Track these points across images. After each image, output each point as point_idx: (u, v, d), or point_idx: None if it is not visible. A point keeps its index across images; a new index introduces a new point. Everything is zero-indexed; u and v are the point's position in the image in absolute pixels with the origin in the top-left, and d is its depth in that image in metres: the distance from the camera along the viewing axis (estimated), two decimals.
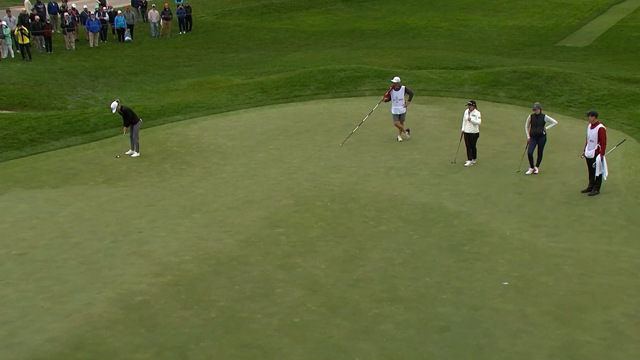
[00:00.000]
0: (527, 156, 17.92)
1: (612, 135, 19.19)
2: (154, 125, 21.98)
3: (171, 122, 22.64)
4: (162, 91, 28.07)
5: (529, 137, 17.84)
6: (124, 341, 10.60)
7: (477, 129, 18.52)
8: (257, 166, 18.86)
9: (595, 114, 16.46)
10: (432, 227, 14.76)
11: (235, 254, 13.51)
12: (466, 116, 18.48)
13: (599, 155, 16.18)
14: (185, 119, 22.99)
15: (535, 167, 17.94)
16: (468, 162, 18.62)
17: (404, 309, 11.52)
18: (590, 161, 16.43)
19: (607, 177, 16.37)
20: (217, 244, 13.94)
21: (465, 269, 12.92)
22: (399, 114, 20.70)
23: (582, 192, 16.60)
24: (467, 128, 18.51)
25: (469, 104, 18.53)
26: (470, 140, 18.58)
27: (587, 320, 11.15)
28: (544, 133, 17.78)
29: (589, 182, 16.65)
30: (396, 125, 20.84)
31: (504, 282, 12.40)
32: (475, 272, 12.76)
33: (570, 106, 23.96)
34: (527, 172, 17.89)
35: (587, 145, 16.54)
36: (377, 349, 10.41)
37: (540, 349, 10.40)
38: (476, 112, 18.41)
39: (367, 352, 10.35)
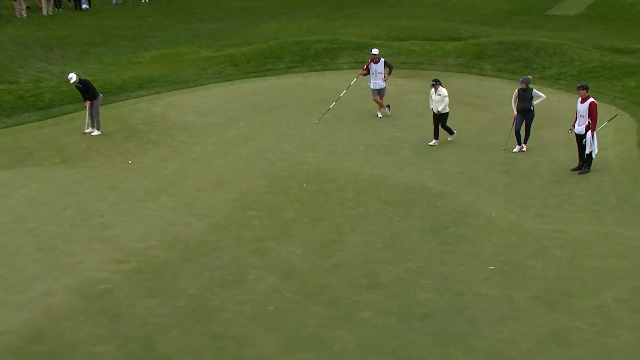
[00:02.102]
0: (514, 133, 18.04)
1: (603, 110, 19.36)
2: (115, 101, 21.80)
3: (134, 97, 22.46)
4: (123, 64, 27.78)
5: (516, 113, 17.95)
6: (85, 332, 10.55)
7: (447, 108, 18.41)
8: (227, 145, 18.80)
9: (586, 87, 16.60)
10: (413, 209, 14.83)
11: (204, 238, 13.49)
12: (433, 96, 18.40)
13: (589, 132, 16.34)
14: (149, 95, 22.83)
15: (523, 144, 18.07)
16: (433, 142, 18.48)
17: (385, 295, 11.59)
18: (580, 137, 16.57)
19: (596, 155, 16.54)
20: (186, 228, 13.89)
21: (449, 252, 13.01)
22: (378, 88, 20.71)
23: (572, 170, 16.77)
24: (435, 107, 18.41)
25: (432, 84, 18.43)
26: (440, 119, 18.49)
27: (576, 305, 11.29)
28: (532, 108, 17.89)
29: (579, 159, 16.81)
30: (375, 100, 20.85)
31: (490, 266, 12.51)
32: (460, 256, 12.86)
33: (559, 79, 24.13)
34: (514, 150, 18.02)
35: (577, 120, 16.67)
36: (356, 338, 10.47)
37: (527, 335, 10.52)
38: (442, 91, 18.30)
39: (345, 341, 10.40)
